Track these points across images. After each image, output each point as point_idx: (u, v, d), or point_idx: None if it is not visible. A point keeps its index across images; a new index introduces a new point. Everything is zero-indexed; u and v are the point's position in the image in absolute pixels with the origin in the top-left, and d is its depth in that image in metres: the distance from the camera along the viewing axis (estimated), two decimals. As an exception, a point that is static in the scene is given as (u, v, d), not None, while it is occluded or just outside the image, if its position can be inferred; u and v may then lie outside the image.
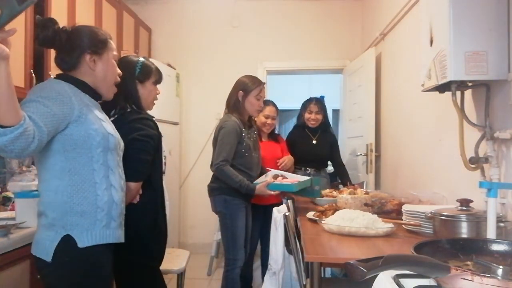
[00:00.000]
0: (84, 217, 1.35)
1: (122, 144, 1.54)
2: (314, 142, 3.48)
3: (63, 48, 1.45)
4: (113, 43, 1.55)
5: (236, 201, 2.53)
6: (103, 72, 1.49)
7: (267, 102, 3.14)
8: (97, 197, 1.37)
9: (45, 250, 1.33)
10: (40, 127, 1.20)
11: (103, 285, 1.43)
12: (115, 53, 1.54)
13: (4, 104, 1.08)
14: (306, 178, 2.61)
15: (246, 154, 2.55)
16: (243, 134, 2.55)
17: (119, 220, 1.46)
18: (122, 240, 1.49)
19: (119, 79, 1.57)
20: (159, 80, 1.91)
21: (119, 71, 1.57)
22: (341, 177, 3.55)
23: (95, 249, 1.36)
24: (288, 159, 3.18)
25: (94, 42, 1.47)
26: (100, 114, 1.46)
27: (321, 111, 3.48)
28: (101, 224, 1.38)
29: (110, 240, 1.41)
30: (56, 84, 1.37)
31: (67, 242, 1.32)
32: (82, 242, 1.34)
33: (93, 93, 1.49)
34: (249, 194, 2.55)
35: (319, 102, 3.51)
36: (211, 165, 2.59)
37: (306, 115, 3.48)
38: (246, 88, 2.60)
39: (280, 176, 2.61)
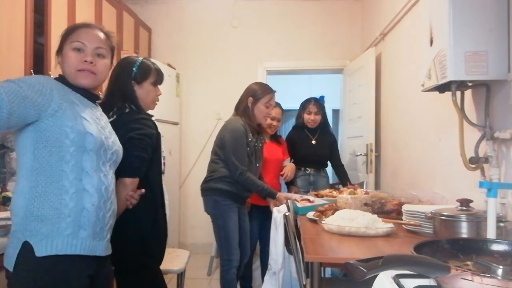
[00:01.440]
0: (44, 222, 1.22)
1: (115, 148, 1.44)
2: (313, 142, 3.48)
3: None
4: (81, 31, 1.42)
5: (227, 202, 2.54)
6: (63, 66, 1.41)
7: (276, 104, 3.15)
8: (62, 202, 1.24)
9: (9, 259, 1.24)
10: (2, 99, 1.13)
11: None
12: (76, 43, 1.39)
13: None
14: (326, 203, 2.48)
15: (247, 159, 2.55)
16: (249, 139, 2.56)
17: (92, 229, 1.30)
18: (99, 252, 1.34)
19: (80, 67, 1.39)
20: (158, 80, 1.87)
21: (87, 58, 1.39)
22: (340, 178, 3.55)
23: (58, 260, 1.22)
24: (289, 171, 3.20)
25: (60, 41, 1.43)
26: (88, 113, 1.36)
27: (320, 112, 3.48)
28: (64, 233, 1.23)
29: (77, 251, 1.25)
30: (42, 77, 1.34)
31: (26, 250, 1.20)
32: (40, 251, 1.20)
33: (85, 93, 1.43)
34: (244, 197, 2.63)
35: (318, 102, 3.50)
36: (212, 162, 2.60)
37: (305, 116, 3.47)
38: (256, 94, 2.61)
39: (306, 200, 2.52)
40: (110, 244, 1.43)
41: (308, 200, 2.43)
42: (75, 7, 2.80)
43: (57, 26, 2.60)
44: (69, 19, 2.73)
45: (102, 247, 1.35)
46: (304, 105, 3.51)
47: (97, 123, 1.39)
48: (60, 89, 1.33)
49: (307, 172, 3.45)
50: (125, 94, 1.76)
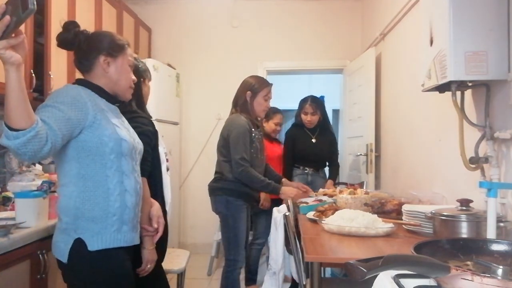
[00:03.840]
0: (95, 222, 1.38)
1: (140, 147, 1.56)
2: (313, 140, 3.45)
3: (81, 50, 1.49)
4: (130, 50, 1.56)
5: (239, 202, 2.51)
6: (116, 75, 1.49)
7: (277, 111, 3.50)
8: (109, 203, 1.39)
9: (61, 252, 1.39)
10: (54, 131, 1.22)
11: (118, 286, 1.44)
12: (130, 58, 1.55)
13: (16, 108, 1.11)
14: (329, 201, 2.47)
15: (255, 155, 2.54)
16: (253, 135, 2.54)
17: (131, 224, 1.47)
18: (136, 242, 1.51)
19: (133, 85, 1.57)
20: (151, 77, 1.99)
21: (133, 77, 1.57)
22: (330, 172, 3.54)
23: (107, 252, 1.39)
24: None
25: (111, 45, 1.49)
26: (115, 119, 1.47)
27: (317, 111, 3.42)
28: (112, 229, 1.40)
29: (121, 244, 1.42)
30: (72, 89, 1.40)
31: (79, 245, 1.37)
32: (92, 245, 1.37)
33: (109, 97, 1.51)
34: (255, 196, 2.63)
35: (315, 101, 3.44)
36: (222, 165, 2.58)
37: (302, 116, 3.44)
38: (254, 88, 2.58)
39: (318, 200, 2.48)
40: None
41: (321, 201, 2.39)
42: (75, 7, 2.80)
43: (57, 26, 2.59)
44: (69, 19, 2.72)
45: (137, 237, 1.53)
46: (301, 104, 3.47)
47: (124, 127, 1.51)
48: (91, 99, 1.41)
49: (305, 171, 3.40)
50: (135, 93, 1.78)
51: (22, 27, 2.21)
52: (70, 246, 1.37)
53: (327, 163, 3.59)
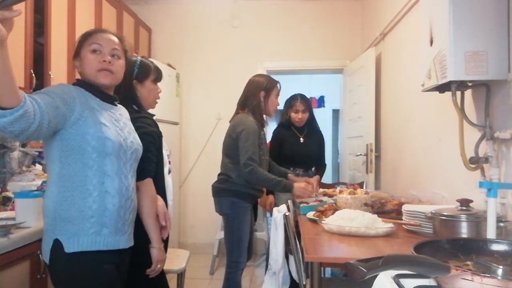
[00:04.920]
0: (71, 223, 1.34)
1: (134, 147, 1.52)
2: (301, 140, 3.38)
3: None
4: (95, 38, 1.48)
5: (244, 204, 2.49)
6: (80, 68, 1.49)
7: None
8: (86, 205, 1.36)
9: (44, 253, 1.39)
10: (43, 111, 1.20)
11: None
12: (93, 46, 1.46)
13: (1, 85, 1.06)
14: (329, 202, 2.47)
15: (262, 157, 2.52)
16: (262, 136, 2.52)
17: (114, 227, 1.41)
18: (121, 246, 1.45)
19: (103, 67, 1.46)
20: (158, 78, 1.91)
21: (105, 59, 1.46)
22: (317, 170, 3.44)
23: (84, 255, 1.35)
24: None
25: (77, 44, 1.51)
26: (106, 118, 1.44)
27: (307, 109, 3.37)
28: (89, 231, 1.35)
29: (100, 247, 1.37)
30: (64, 85, 1.43)
31: (57, 246, 1.35)
32: (68, 247, 1.33)
33: (103, 96, 1.50)
34: (258, 197, 2.61)
35: (304, 99, 3.38)
36: (225, 165, 2.56)
37: (293, 114, 3.35)
38: (267, 88, 2.56)
39: (318, 201, 2.47)
40: (132, 236, 1.53)
41: (321, 201, 2.39)
42: (75, 7, 2.80)
43: (57, 26, 2.60)
44: (69, 19, 2.72)
45: (124, 241, 1.47)
46: (290, 102, 3.38)
47: (115, 126, 1.47)
48: (81, 97, 1.41)
49: (296, 172, 3.27)
50: (128, 93, 1.77)
51: (21, 27, 2.22)
52: (50, 247, 1.35)
53: (315, 164, 3.48)
